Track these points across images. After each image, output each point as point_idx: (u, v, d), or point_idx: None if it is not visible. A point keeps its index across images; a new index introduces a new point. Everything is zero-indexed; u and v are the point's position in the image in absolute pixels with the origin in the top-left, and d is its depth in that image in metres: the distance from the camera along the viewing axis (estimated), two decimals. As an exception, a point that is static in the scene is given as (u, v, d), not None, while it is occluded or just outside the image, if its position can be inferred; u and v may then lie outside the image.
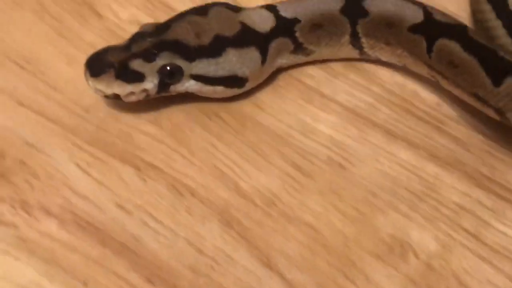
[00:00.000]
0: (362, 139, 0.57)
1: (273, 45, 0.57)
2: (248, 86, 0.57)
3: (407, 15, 0.56)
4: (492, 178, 0.55)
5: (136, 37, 0.55)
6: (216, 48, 0.54)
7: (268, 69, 0.58)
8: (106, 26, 0.61)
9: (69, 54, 0.59)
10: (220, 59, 0.54)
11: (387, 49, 0.58)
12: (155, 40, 0.54)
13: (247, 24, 0.56)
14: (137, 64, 0.53)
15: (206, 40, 0.54)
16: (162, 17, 0.57)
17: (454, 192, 0.55)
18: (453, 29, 0.56)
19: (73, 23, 0.62)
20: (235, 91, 0.57)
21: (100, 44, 0.57)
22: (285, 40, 0.57)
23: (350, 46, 0.58)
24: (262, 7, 0.58)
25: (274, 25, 0.56)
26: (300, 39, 0.57)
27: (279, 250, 0.52)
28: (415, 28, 0.56)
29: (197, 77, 0.55)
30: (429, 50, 0.56)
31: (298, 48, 0.58)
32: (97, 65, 0.54)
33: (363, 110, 0.58)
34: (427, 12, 0.57)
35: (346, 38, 0.58)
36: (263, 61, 0.56)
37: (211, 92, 0.56)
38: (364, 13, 0.57)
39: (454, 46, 0.54)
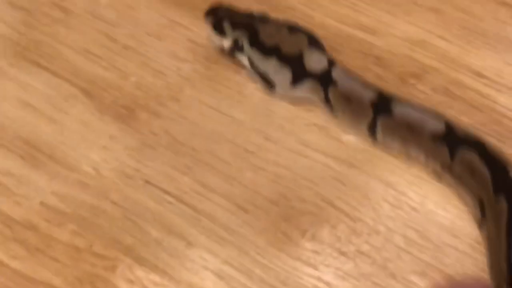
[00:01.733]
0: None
1: (308, 81, 0.72)
2: (280, 91, 0.73)
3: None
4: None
5: (246, 13, 0.74)
6: (269, 50, 0.72)
7: (299, 94, 0.73)
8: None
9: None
10: (264, 58, 0.72)
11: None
12: (250, 22, 0.73)
13: (303, 56, 0.71)
14: (226, 26, 0.74)
15: (270, 42, 0.72)
16: None
17: None
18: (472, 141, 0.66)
19: None
20: (270, 89, 0.73)
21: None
22: (319, 88, 0.71)
23: (367, 131, 0.70)
24: (328, 58, 0.72)
25: (317, 73, 0.71)
26: (330, 96, 0.71)
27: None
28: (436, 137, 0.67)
29: (249, 58, 0.73)
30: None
31: (327, 102, 0.71)
32: (211, 10, 0.75)
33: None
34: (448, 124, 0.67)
35: (365, 124, 0.69)
36: (293, 83, 0.72)
37: (254, 77, 0.74)
38: (388, 111, 0.68)
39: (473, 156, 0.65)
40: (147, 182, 0.71)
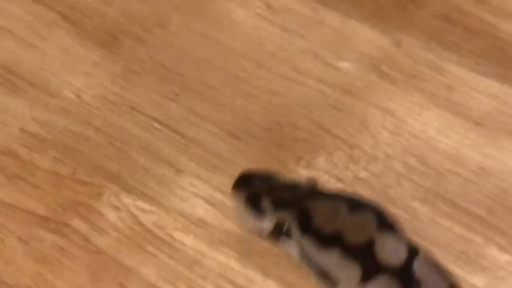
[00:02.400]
0: None
1: (382, 279, 0.53)
2: None
3: None
4: None
5: (290, 184, 0.57)
6: (328, 240, 0.54)
7: None
8: None
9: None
10: (323, 251, 0.54)
11: None
12: (295, 197, 0.56)
13: (374, 245, 0.53)
14: (265, 204, 0.56)
15: (327, 228, 0.54)
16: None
17: None
18: None
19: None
20: (326, 286, 0.55)
21: None
22: (397, 286, 0.53)
23: None
24: (406, 244, 0.54)
25: (394, 267, 0.53)
26: None
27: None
28: None
29: (301, 249, 0.55)
30: None
31: None
32: (242, 182, 0.57)
33: None
34: None
35: None
36: (363, 281, 0.53)
37: (307, 270, 0.56)
38: None
39: None
40: (133, 108, 0.67)
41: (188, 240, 0.60)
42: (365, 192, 0.61)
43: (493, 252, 0.59)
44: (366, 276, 0.53)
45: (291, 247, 0.56)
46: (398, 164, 0.63)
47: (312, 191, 0.57)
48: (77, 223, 0.61)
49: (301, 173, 0.63)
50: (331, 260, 0.54)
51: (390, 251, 0.53)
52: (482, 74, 0.67)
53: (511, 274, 0.58)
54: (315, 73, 0.69)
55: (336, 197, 0.56)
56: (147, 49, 0.70)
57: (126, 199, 0.62)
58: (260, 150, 0.64)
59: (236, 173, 0.62)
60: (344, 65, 0.69)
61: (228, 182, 0.62)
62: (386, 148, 0.64)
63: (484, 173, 0.63)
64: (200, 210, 0.61)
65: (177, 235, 0.60)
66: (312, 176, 0.60)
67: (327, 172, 0.63)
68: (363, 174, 0.63)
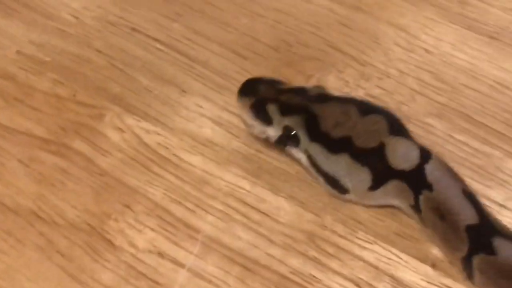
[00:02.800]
0: None
1: (393, 183, 0.51)
2: (352, 198, 0.53)
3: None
4: None
5: (298, 89, 0.54)
6: (337, 145, 0.51)
7: (379, 199, 0.53)
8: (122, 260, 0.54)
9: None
10: (332, 157, 0.52)
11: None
12: (303, 102, 0.53)
13: (385, 149, 0.51)
14: (272, 109, 0.53)
15: (336, 133, 0.51)
16: (183, 239, 0.54)
17: None
18: None
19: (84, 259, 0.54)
20: (337, 193, 0.54)
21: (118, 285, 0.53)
22: (407, 192, 0.51)
23: (461, 265, 0.51)
24: (418, 147, 0.51)
25: (408, 170, 0.50)
26: (421, 204, 0.51)
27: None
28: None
29: (309, 156, 0.53)
30: None
31: (417, 211, 0.52)
32: (248, 87, 0.54)
33: None
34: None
35: (459, 257, 0.50)
36: (373, 188, 0.52)
37: (316, 178, 0.54)
38: (490, 248, 0.49)
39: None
40: (134, 29, 0.64)
41: (195, 161, 0.58)
42: (378, 109, 0.59)
43: (511, 165, 0.56)
44: (377, 181, 0.51)
45: (299, 154, 0.54)
46: (412, 80, 0.61)
47: (320, 96, 0.53)
48: (79, 145, 0.58)
49: (310, 92, 0.60)
50: (340, 166, 0.51)
51: (402, 155, 0.51)
52: (497, -13, 0.65)
53: (531, 186, 0.56)
54: (323, -10, 0.66)
55: (345, 101, 0.53)
56: (147, -30, 0.67)
57: (130, 120, 0.60)
58: (268, 69, 0.62)
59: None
60: (353, -18, 0.66)
61: (235, 102, 0.60)
62: (399, 64, 0.62)
63: (501, 87, 0.60)
64: (207, 130, 0.59)
65: (184, 155, 0.58)
66: (320, 84, 0.58)
67: (338, 90, 0.60)
68: (376, 91, 0.61)
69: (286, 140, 0.54)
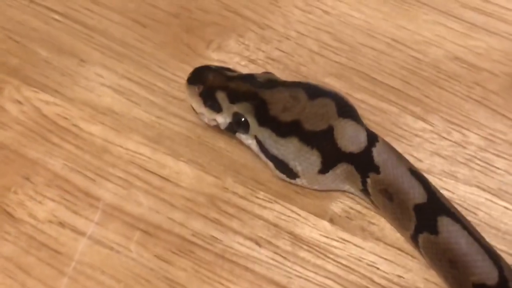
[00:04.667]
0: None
1: (343, 167, 0.52)
2: (301, 182, 0.53)
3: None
4: None
5: (246, 76, 0.54)
6: (285, 129, 0.51)
7: (329, 183, 0.53)
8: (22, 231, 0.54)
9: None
10: (281, 141, 0.52)
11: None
12: (251, 89, 0.53)
13: (334, 132, 0.51)
14: (221, 97, 0.53)
15: (285, 117, 0.52)
16: (83, 208, 0.54)
17: None
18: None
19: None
20: (286, 178, 0.54)
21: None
22: (356, 175, 0.52)
23: (410, 240, 0.52)
24: (365, 130, 0.52)
25: (356, 152, 0.51)
26: (369, 186, 0.52)
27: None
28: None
29: (258, 141, 0.53)
30: None
31: (365, 193, 0.53)
32: (197, 76, 0.54)
33: None
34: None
35: (408, 233, 0.51)
36: (322, 171, 0.52)
37: (265, 163, 0.54)
38: (433, 228, 0.50)
39: None
40: (31, 1, 0.64)
41: (95, 130, 0.58)
42: (278, 72, 0.59)
43: (408, 121, 0.58)
44: (326, 164, 0.51)
45: (249, 140, 0.54)
46: (311, 41, 0.61)
47: (269, 82, 0.54)
48: (-24, 119, 0.58)
49: (212, 57, 0.61)
50: (289, 149, 0.51)
51: (350, 138, 0.51)
52: None
53: (425, 140, 0.57)
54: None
55: (294, 86, 0.54)
56: None
57: (28, 93, 0.59)
58: (168, 36, 0.62)
59: (144, 60, 0.61)
60: None
61: (135, 70, 0.60)
62: (298, 26, 0.62)
63: (398, 44, 0.61)
64: (107, 98, 0.59)
65: (83, 125, 0.58)
66: (268, 70, 0.58)
67: (238, 54, 0.61)
68: (276, 53, 0.61)
69: (236, 127, 0.54)
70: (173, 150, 0.57)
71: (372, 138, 0.52)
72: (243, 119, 0.53)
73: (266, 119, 0.52)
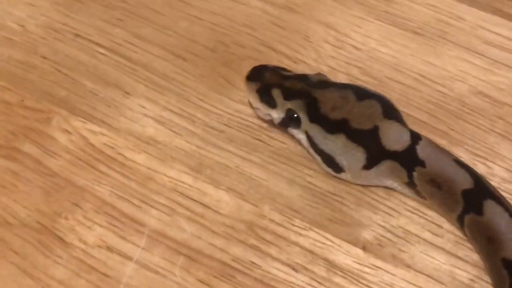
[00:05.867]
0: None
1: (387, 164, 0.56)
2: (345, 177, 0.58)
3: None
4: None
5: (300, 75, 0.59)
6: (334, 126, 0.56)
7: (372, 179, 0.58)
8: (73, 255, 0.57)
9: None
10: (329, 137, 0.56)
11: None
12: (304, 87, 0.57)
13: (379, 131, 0.56)
14: (276, 94, 0.58)
15: (334, 116, 0.56)
16: (130, 233, 0.58)
17: None
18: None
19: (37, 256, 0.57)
20: (332, 172, 0.58)
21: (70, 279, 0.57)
22: (401, 171, 0.56)
23: (456, 222, 0.57)
24: (409, 130, 0.56)
25: (401, 150, 0.56)
26: (416, 180, 0.56)
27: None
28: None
29: (308, 136, 0.58)
30: None
31: (412, 187, 0.57)
32: (255, 73, 0.59)
33: None
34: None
35: (455, 216, 0.56)
36: (367, 167, 0.56)
37: (314, 157, 0.59)
38: (479, 210, 0.54)
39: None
40: (77, 35, 0.67)
41: (140, 158, 0.61)
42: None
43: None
44: (371, 161, 0.56)
45: (300, 135, 0.59)
46: (342, 76, 0.65)
47: (321, 82, 0.58)
48: (29, 148, 0.61)
49: (247, 90, 0.64)
50: (337, 145, 0.56)
51: (394, 137, 0.56)
52: (419, -15, 0.69)
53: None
54: (256, -8, 0.70)
55: (343, 87, 0.58)
56: (88, -23, 0.70)
57: (76, 123, 0.63)
58: (206, 69, 0.65)
59: (184, 92, 0.64)
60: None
61: (176, 101, 0.64)
62: (330, 61, 0.66)
63: (424, 79, 0.65)
64: (150, 129, 0.63)
65: (129, 154, 0.61)
66: (320, 71, 0.62)
67: (273, 86, 0.64)
68: (308, 87, 0.64)
69: (288, 122, 0.58)
70: (213, 179, 0.60)
71: (416, 137, 0.56)
72: (295, 115, 0.57)
73: (317, 116, 0.57)
